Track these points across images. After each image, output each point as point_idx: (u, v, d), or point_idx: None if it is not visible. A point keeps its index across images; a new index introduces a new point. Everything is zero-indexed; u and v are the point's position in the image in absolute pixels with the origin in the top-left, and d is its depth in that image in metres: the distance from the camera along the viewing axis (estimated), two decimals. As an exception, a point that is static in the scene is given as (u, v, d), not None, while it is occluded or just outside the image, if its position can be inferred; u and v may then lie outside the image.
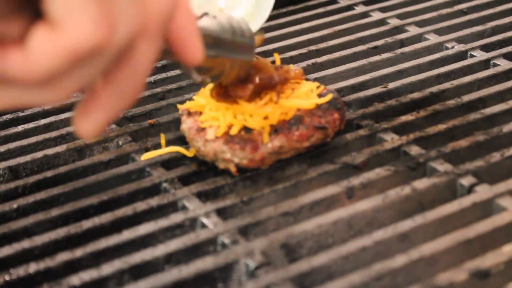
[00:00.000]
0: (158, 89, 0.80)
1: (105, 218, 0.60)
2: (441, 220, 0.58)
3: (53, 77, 0.39)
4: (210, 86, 0.65)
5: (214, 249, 0.57)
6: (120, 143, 0.71)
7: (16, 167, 0.69)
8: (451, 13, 0.95)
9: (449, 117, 0.71)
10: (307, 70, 0.80)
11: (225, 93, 0.64)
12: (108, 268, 0.55)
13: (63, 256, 0.56)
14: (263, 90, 0.65)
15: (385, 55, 0.84)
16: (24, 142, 0.72)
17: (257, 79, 0.64)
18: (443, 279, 0.51)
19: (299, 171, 0.65)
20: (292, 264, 0.54)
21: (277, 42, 0.89)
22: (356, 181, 0.62)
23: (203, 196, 0.63)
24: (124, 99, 0.43)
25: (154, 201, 0.62)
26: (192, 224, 0.60)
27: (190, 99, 0.72)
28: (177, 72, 0.83)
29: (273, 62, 0.69)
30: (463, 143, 0.67)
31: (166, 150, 0.68)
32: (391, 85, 0.77)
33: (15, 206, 0.63)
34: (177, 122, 0.70)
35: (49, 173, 0.67)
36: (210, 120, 0.65)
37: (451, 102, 0.73)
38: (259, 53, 0.75)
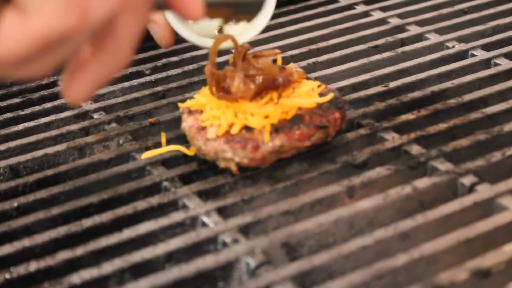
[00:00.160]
0: (159, 88, 0.80)
1: (105, 216, 0.60)
2: (441, 219, 0.58)
3: (25, 60, 0.39)
4: (211, 84, 0.65)
5: (215, 248, 0.57)
6: (121, 141, 0.71)
7: (16, 166, 0.69)
8: (452, 13, 0.95)
9: (450, 116, 0.71)
10: (307, 69, 0.80)
11: (226, 91, 0.64)
12: (108, 267, 0.55)
13: (64, 255, 0.56)
14: (264, 90, 0.65)
15: (385, 54, 0.84)
16: (25, 140, 0.72)
17: (260, 79, 0.64)
18: (444, 278, 0.51)
19: (299, 170, 0.65)
20: (293, 263, 0.54)
21: (278, 41, 0.89)
22: (356, 180, 0.62)
23: (203, 195, 0.63)
24: (112, 66, 0.43)
25: (154, 200, 0.62)
26: (193, 223, 0.60)
27: (191, 97, 0.72)
28: (177, 71, 0.83)
29: (274, 61, 0.69)
30: (464, 142, 0.67)
31: (166, 149, 0.68)
32: (392, 84, 0.77)
33: (15, 204, 0.63)
34: (178, 121, 0.70)
35: (49, 172, 0.67)
36: (211, 119, 0.65)
37: (452, 101, 0.73)
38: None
